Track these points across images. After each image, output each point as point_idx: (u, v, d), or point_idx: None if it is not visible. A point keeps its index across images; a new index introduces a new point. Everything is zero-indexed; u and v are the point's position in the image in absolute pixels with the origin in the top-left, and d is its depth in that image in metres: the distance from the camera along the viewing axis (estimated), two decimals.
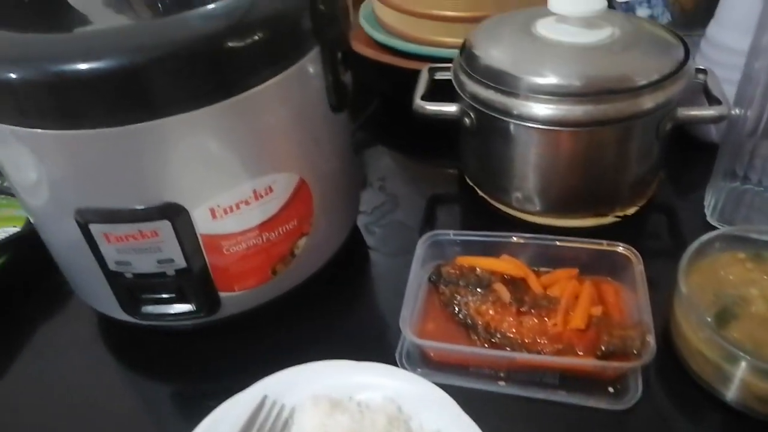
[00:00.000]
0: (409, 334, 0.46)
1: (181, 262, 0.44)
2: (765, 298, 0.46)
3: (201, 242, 0.44)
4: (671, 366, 0.47)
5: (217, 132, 0.41)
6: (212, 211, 0.43)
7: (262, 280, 0.48)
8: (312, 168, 0.48)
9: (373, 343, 0.51)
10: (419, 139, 0.73)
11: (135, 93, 0.38)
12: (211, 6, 0.40)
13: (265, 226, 0.46)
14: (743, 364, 0.42)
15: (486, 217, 0.63)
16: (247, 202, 0.44)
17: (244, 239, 0.45)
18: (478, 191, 0.64)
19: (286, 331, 0.52)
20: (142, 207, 0.41)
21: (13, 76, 0.37)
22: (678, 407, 0.46)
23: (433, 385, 0.43)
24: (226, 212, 0.43)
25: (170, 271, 0.44)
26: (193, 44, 0.38)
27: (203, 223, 0.43)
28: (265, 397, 0.43)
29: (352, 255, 0.58)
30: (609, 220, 0.60)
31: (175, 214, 0.42)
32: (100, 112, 0.38)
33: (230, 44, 0.39)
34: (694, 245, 0.48)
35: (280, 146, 0.45)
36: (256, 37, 0.40)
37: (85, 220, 0.42)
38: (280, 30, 0.41)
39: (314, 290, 0.53)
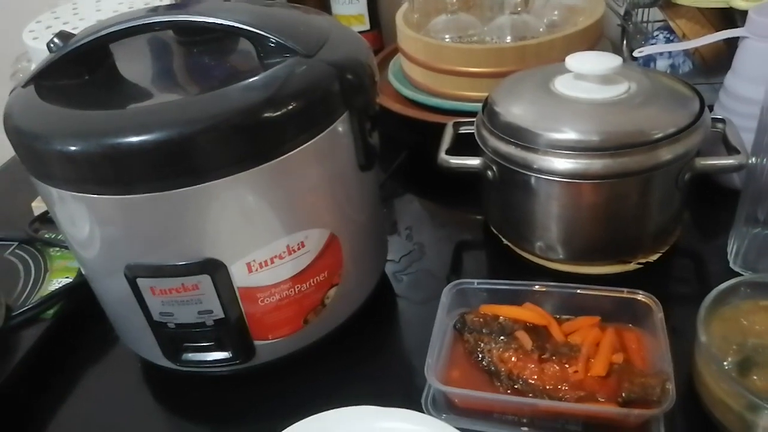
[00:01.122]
0: (434, 381, 0.48)
1: (219, 313, 0.47)
2: None
3: (237, 294, 0.47)
4: (695, 414, 0.48)
5: (254, 193, 0.45)
6: (249, 266, 0.46)
7: (295, 329, 0.51)
8: (342, 223, 0.51)
9: (401, 389, 0.53)
10: (446, 188, 0.76)
11: (182, 162, 0.42)
12: (250, 80, 0.44)
13: (297, 278, 0.49)
14: (765, 413, 0.43)
15: (510, 265, 0.65)
16: (281, 257, 0.47)
17: (277, 291, 0.49)
18: (503, 240, 0.67)
19: (317, 377, 0.54)
20: (184, 263, 0.45)
21: (73, 148, 0.41)
22: None
23: (457, 431, 0.45)
24: (261, 266, 0.47)
25: (209, 322, 0.48)
26: (233, 117, 0.42)
27: (240, 277, 0.47)
28: None
29: (380, 303, 0.61)
30: (632, 267, 0.62)
31: (215, 269, 0.45)
32: (150, 179, 0.42)
33: (267, 115, 0.43)
34: (713, 293, 0.49)
35: (313, 204, 0.48)
36: (291, 107, 0.44)
37: (133, 274, 0.46)
38: (313, 100, 0.45)
39: (344, 338, 0.56)
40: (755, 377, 0.45)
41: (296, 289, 0.49)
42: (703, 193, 0.68)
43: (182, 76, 0.51)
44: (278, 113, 0.43)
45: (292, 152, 0.45)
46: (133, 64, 0.52)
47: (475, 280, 0.57)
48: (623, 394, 0.47)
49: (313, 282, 0.50)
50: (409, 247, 0.69)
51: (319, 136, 0.46)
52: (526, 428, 0.48)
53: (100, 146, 0.41)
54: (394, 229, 0.73)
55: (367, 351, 0.57)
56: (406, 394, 0.51)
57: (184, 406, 0.55)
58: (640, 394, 0.47)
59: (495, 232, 0.68)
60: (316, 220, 0.49)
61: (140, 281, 0.46)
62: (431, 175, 0.72)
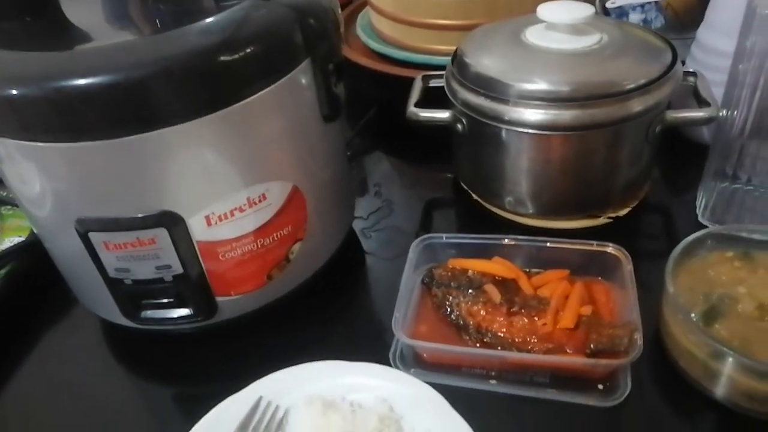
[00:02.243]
0: (401, 336, 0.48)
1: (178, 268, 0.45)
2: (752, 296, 0.47)
3: (197, 249, 0.45)
4: (661, 364, 0.48)
5: (211, 142, 0.43)
6: (207, 219, 0.45)
7: (258, 285, 0.50)
8: (305, 176, 0.49)
9: (368, 344, 0.52)
10: (415, 145, 0.75)
11: (132, 106, 0.39)
12: (205, 21, 0.42)
13: (259, 232, 0.47)
14: (730, 361, 0.43)
15: (480, 221, 0.65)
16: (241, 210, 0.45)
17: (239, 245, 0.47)
18: (473, 195, 0.66)
19: (283, 334, 0.53)
20: (139, 215, 0.43)
21: (15, 92, 0.38)
22: (667, 404, 0.47)
23: (425, 385, 0.44)
24: (220, 219, 0.45)
25: (168, 277, 0.46)
26: (186, 59, 0.40)
27: (199, 231, 0.45)
28: (260, 398, 0.45)
29: (348, 259, 0.60)
30: (601, 221, 0.61)
31: (172, 222, 0.43)
32: (99, 126, 0.39)
33: (223, 58, 0.41)
34: (681, 245, 0.49)
35: (273, 155, 0.46)
36: (248, 51, 0.41)
37: (85, 228, 0.43)
38: (271, 44, 0.43)
39: (310, 294, 0.54)
40: (719, 327, 0.45)
41: (259, 244, 0.48)
42: (673, 149, 0.68)
43: (134, 17, 0.48)
44: (234, 57, 0.41)
45: (249, 99, 0.42)
46: (81, 6, 0.48)
47: (444, 235, 0.56)
48: (591, 346, 0.47)
49: (277, 236, 0.48)
50: (377, 204, 0.68)
51: (279, 82, 0.44)
52: (494, 381, 0.48)
53: (44, 90, 0.38)
54: (362, 186, 0.71)
55: (334, 308, 0.56)
56: (374, 350, 0.50)
57: (146, 365, 0.53)
58: (608, 345, 0.47)
59: (465, 187, 0.67)
60: (278, 172, 0.47)
61: (93, 236, 0.44)
62: (400, 132, 0.70)
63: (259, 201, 0.46)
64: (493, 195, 0.63)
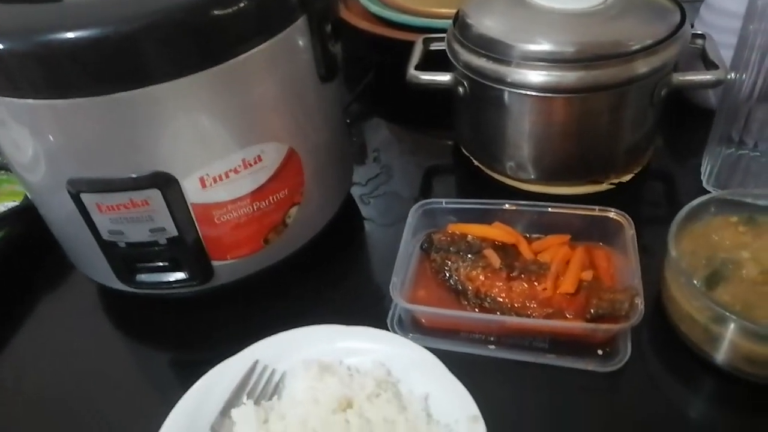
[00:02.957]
0: (398, 299, 0.47)
1: (172, 231, 0.45)
2: (756, 260, 0.46)
3: (192, 211, 0.45)
4: (662, 329, 0.48)
5: (205, 100, 0.41)
6: (202, 180, 0.44)
7: (255, 249, 0.49)
8: (302, 138, 0.48)
9: (366, 310, 0.51)
10: (416, 110, 0.74)
11: (122, 62, 0.38)
12: None
13: (255, 195, 0.46)
14: (731, 325, 0.42)
15: (482, 187, 0.64)
16: (236, 171, 0.44)
17: (235, 208, 0.46)
18: (474, 161, 0.65)
19: (280, 299, 0.53)
20: (132, 176, 0.42)
21: (1, 47, 0.37)
22: (667, 369, 0.47)
23: (422, 349, 0.44)
24: (215, 181, 0.44)
25: (162, 240, 0.45)
26: (179, 13, 0.38)
27: (193, 192, 0.44)
28: (256, 362, 0.44)
29: (346, 225, 0.59)
30: (604, 187, 0.60)
31: (165, 183, 0.43)
32: (88, 82, 0.38)
33: (215, 13, 0.39)
34: (685, 210, 0.48)
35: (269, 116, 0.45)
36: (241, 6, 0.40)
37: (76, 190, 0.43)
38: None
39: (308, 259, 0.54)
40: (721, 291, 0.45)
41: (255, 207, 0.47)
42: (679, 114, 0.66)
43: None
44: (226, 11, 0.39)
45: (243, 56, 0.41)
46: None
47: (443, 200, 0.55)
48: (592, 310, 0.46)
49: (273, 200, 0.48)
50: (376, 170, 0.67)
51: (273, 40, 0.42)
52: (493, 346, 0.47)
53: (30, 44, 0.37)
54: (361, 152, 0.70)
55: (332, 273, 0.55)
56: (372, 315, 0.49)
57: (142, 330, 0.53)
58: (608, 310, 0.46)
59: (466, 153, 0.65)
60: (273, 134, 0.46)
61: (85, 197, 0.43)
62: (400, 98, 0.69)
63: (255, 163, 0.45)
64: (494, 160, 0.62)
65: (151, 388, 0.49)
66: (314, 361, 0.44)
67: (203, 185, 0.44)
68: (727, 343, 0.43)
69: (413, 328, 0.49)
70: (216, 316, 0.52)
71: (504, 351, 0.47)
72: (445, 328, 0.49)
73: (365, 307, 0.52)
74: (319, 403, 0.41)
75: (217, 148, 0.43)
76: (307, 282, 0.54)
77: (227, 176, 0.44)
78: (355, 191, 0.63)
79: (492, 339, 0.48)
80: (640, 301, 0.45)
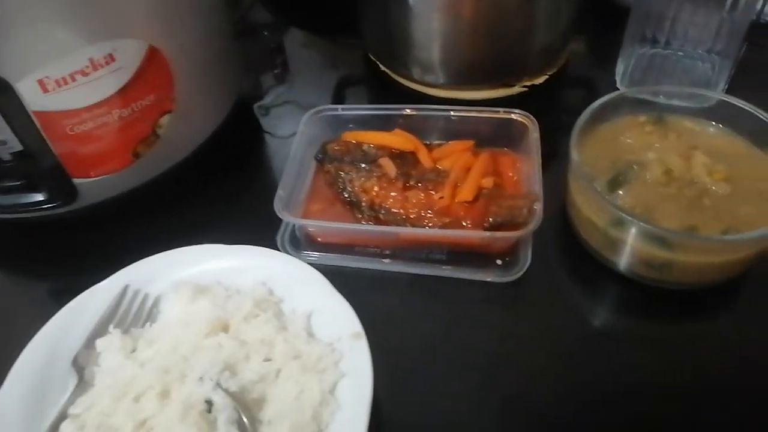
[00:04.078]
0: (284, 214, 0.43)
1: (15, 144, 0.39)
2: (661, 161, 0.44)
3: (35, 120, 0.39)
4: (566, 237, 0.46)
5: None
6: (42, 84, 0.38)
7: (123, 164, 0.44)
8: (166, 35, 0.42)
9: (257, 228, 0.47)
10: (322, 16, 0.67)
11: None
12: None
13: (113, 101, 0.41)
14: (628, 228, 0.40)
15: (391, 95, 0.59)
16: (84, 73, 0.39)
17: (90, 117, 0.40)
18: (380, 66, 0.60)
19: (160, 218, 0.48)
20: None
21: None
22: (569, 277, 0.45)
23: (307, 266, 0.40)
24: (59, 85, 0.38)
25: (5, 156, 0.40)
26: None
27: (33, 98, 0.38)
28: (126, 287, 0.40)
29: (238, 138, 0.54)
30: (516, 90, 0.57)
31: None
32: None
33: None
34: (589, 110, 0.45)
35: (120, 6, 0.39)
36: None
37: None
38: None
39: (191, 175, 0.49)
40: (623, 193, 0.42)
41: (115, 115, 0.41)
42: (598, 16, 0.62)
43: None
44: None
45: None
46: None
47: (340, 106, 0.51)
48: (490, 218, 0.43)
49: (137, 107, 0.42)
50: (279, 79, 0.61)
51: None
52: (388, 260, 0.44)
53: None
54: (264, 59, 0.64)
55: (220, 190, 0.51)
56: (263, 233, 0.46)
57: (8, 258, 0.48)
58: (507, 218, 0.43)
59: (373, 58, 0.60)
60: (128, 28, 0.40)
61: None
62: (309, 3, 0.63)
63: (106, 63, 0.39)
64: (400, 64, 0.57)
65: (15, 319, 0.44)
66: (187, 283, 0.40)
67: (44, 89, 0.38)
68: (626, 248, 0.41)
69: (307, 245, 0.46)
70: (88, 239, 0.47)
71: (400, 264, 0.44)
72: (339, 244, 0.46)
73: (257, 226, 0.48)
74: (191, 327, 0.38)
75: (56, 45, 0.37)
76: (190, 199, 0.49)
77: (73, 79, 0.38)
78: (254, 101, 0.58)
79: (388, 252, 0.45)
80: (538, 207, 0.42)
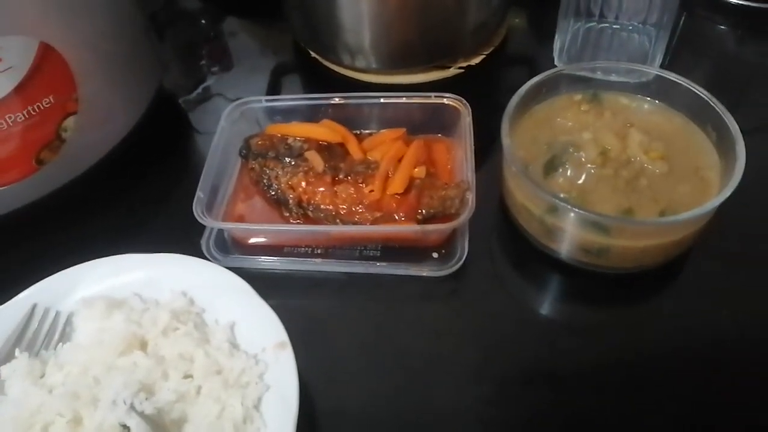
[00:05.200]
0: (203, 218, 0.41)
1: None
2: (596, 142, 0.42)
3: None
4: (505, 225, 0.44)
5: None
6: None
7: (26, 172, 0.41)
8: (62, 32, 0.39)
9: (183, 234, 0.44)
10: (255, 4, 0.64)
11: None
12: None
13: (6, 104, 0.37)
14: (564, 215, 0.38)
15: (324, 83, 0.56)
16: None
17: None
18: (311, 53, 0.57)
19: (73, 230, 0.45)
20: None
21: None
22: (510, 267, 0.43)
23: (229, 272, 0.38)
24: None
25: None
26: None
27: None
28: (34, 306, 0.37)
29: (160, 138, 0.51)
30: (452, 72, 0.54)
31: None
32: None
33: None
34: (519, 92, 0.43)
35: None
36: None
37: None
38: None
39: (107, 180, 0.46)
40: (558, 178, 0.41)
41: (9, 120, 0.38)
42: None
43: None
44: None
45: None
46: None
47: (264, 98, 0.48)
48: (422, 211, 0.42)
49: (35, 109, 0.39)
50: (205, 71, 0.58)
51: None
52: (320, 260, 0.42)
53: None
54: (193, 49, 0.61)
55: (140, 195, 0.48)
56: (188, 240, 0.43)
57: None
58: (439, 209, 0.41)
59: (302, 45, 0.57)
60: (15, 24, 0.36)
61: None
62: None
63: None
64: (328, 50, 0.54)
65: None
66: (101, 298, 0.37)
67: None
68: (563, 234, 0.40)
69: (235, 248, 0.43)
70: None
71: (333, 263, 0.42)
72: (268, 246, 0.43)
73: (182, 231, 0.44)
74: (105, 345, 0.35)
75: None
76: (108, 208, 0.46)
77: None
78: (181, 96, 0.55)
79: (319, 252, 0.42)
80: (471, 197, 0.40)
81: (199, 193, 0.42)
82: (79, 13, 0.40)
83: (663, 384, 0.36)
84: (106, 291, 0.38)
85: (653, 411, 0.36)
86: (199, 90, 0.57)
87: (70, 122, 0.41)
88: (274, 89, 0.57)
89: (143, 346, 0.36)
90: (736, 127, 0.39)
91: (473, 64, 0.55)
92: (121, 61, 0.44)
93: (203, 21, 0.65)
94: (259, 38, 0.65)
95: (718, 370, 0.37)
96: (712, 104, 0.41)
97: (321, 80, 0.57)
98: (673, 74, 0.43)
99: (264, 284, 0.38)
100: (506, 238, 0.44)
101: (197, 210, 0.41)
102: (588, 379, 0.37)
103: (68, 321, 0.38)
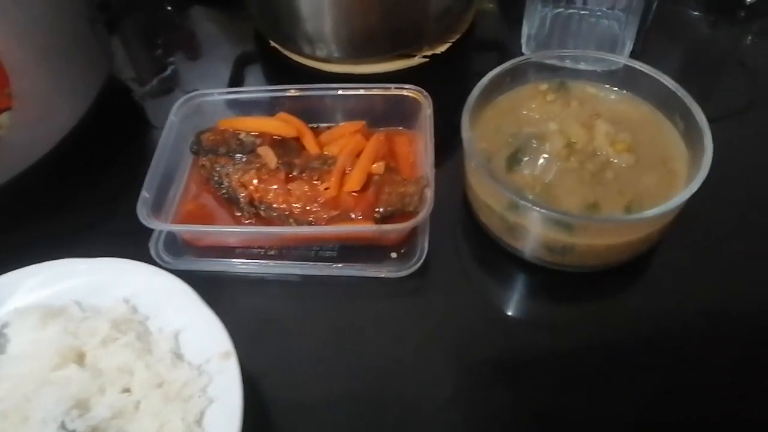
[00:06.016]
0: (147, 219, 0.38)
1: None
2: (563, 133, 0.40)
3: None
4: (468, 222, 0.42)
5: None
6: None
7: None
8: None
9: (131, 237, 0.41)
10: None
11: None
12: None
13: None
14: (525, 212, 0.36)
15: (286, 74, 0.54)
16: None
17: None
18: (270, 42, 0.54)
19: (14, 235, 0.42)
20: None
21: None
22: (472, 266, 0.42)
23: (175, 277, 0.35)
24: None
25: None
26: None
27: None
28: None
29: (111, 132, 0.48)
30: (417, 61, 0.52)
31: None
32: None
33: None
34: (482, 82, 0.41)
35: None
36: None
37: None
38: None
39: (49, 180, 0.43)
40: (521, 172, 0.39)
41: None
42: None
43: None
44: None
45: None
46: None
47: (216, 90, 0.46)
48: (380, 209, 0.40)
49: None
50: (162, 63, 0.55)
51: None
52: (273, 261, 0.40)
53: None
54: (144, 41, 0.58)
55: (86, 195, 0.45)
56: (137, 242, 0.41)
57: None
58: (397, 206, 0.40)
59: (262, 33, 0.55)
60: None
61: None
62: None
63: None
64: (287, 38, 0.52)
65: None
66: (36, 307, 0.35)
67: None
68: (525, 232, 0.38)
69: (186, 251, 0.41)
70: None
71: (287, 265, 0.40)
72: (220, 247, 0.41)
73: (131, 234, 0.41)
74: (38, 359, 0.33)
75: None
76: (51, 210, 0.44)
77: None
78: (136, 90, 0.53)
79: (273, 253, 0.40)
80: (430, 193, 0.38)
81: (144, 193, 0.39)
82: (11, 3, 0.37)
83: (631, 379, 0.35)
84: (43, 299, 0.36)
85: (620, 406, 0.34)
86: (154, 82, 0.54)
87: (4, 119, 0.39)
88: (235, 81, 0.55)
89: (80, 358, 0.34)
90: (704, 117, 0.37)
91: (439, 52, 0.53)
92: (60, 53, 0.42)
93: (169, 8, 0.62)
94: (222, 27, 0.62)
95: (686, 365, 0.36)
96: (679, 95, 0.39)
97: (283, 71, 0.54)
98: (641, 63, 0.42)
99: (216, 287, 0.36)
100: (470, 234, 0.42)
101: (141, 211, 0.39)
102: (555, 375, 0.36)
103: (0, 332, 0.36)
